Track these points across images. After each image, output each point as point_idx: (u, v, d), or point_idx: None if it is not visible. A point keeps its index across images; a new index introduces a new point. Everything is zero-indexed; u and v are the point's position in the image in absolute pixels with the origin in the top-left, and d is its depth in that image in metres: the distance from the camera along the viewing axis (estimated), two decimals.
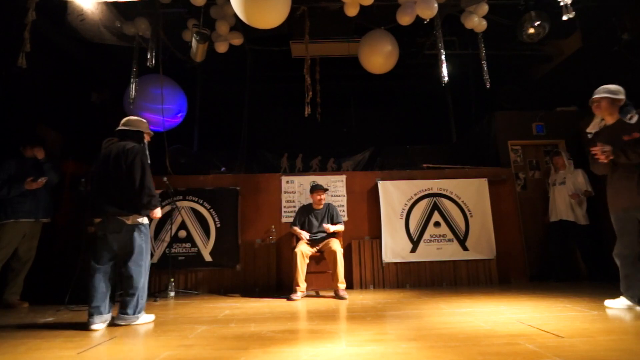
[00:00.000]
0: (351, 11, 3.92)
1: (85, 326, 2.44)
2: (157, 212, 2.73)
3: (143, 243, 2.63)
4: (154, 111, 4.74)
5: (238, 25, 4.31)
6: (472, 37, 4.62)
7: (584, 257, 4.42)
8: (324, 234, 3.92)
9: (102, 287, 2.52)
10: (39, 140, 3.82)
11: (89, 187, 2.76)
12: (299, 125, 5.81)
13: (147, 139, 2.86)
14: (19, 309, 3.39)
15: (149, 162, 2.69)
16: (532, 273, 4.58)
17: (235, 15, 3.78)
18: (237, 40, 4.47)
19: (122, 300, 2.56)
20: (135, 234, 2.59)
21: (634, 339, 1.84)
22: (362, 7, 3.93)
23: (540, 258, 4.69)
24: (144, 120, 2.88)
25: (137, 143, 2.72)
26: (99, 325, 2.45)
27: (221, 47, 4.53)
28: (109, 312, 2.54)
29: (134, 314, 2.55)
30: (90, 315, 2.45)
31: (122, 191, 2.56)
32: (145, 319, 2.61)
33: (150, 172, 2.63)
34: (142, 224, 2.64)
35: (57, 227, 4.04)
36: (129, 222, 2.57)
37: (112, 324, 2.54)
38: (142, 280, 2.60)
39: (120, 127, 2.76)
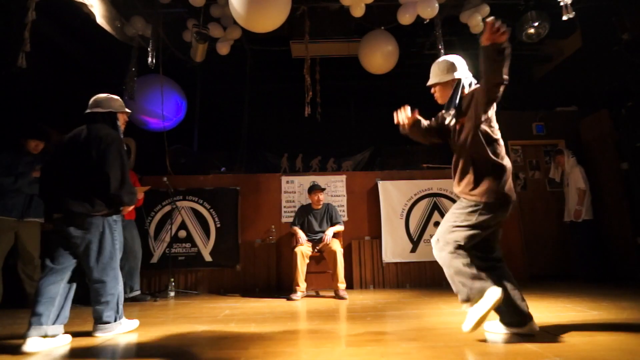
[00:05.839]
0: (357, 12, 3.92)
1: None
2: (131, 207, 2.41)
3: (116, 242, 2.28)
4: (154, 114, 4.74)
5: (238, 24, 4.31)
6: (472, 37, 4.62)
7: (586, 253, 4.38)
8: (323, 234, 3.91)
9: (51, 292, 2.06)
10: (43, 133, 3.61)
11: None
12: (299, 125, 5.79)
13: (122, 121, 2.45)
14: None
15: (125, 150, 2.32)
16: (532, 273, 4.57)
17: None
18: (236, 33, 4.43)
19: (95, 310, 2.21)
20: (107, 233, 2.21)
21: (634, 338, 1.84)
22: None
23: (565, 258, 4.66)
24: (116, 98, 2.46)
25: (111, 127, 2.33)
26: (34, 341, 1.93)
27: (223, 49, 4.53)
28: (54, 325, 2.03)
29: (115, 320, 2.23)
30: (28, 325, 1.98)
31: (93, 185, 2.16)
32: (128, 326, 2.31)
33: (127, 164, 2.29)
34: (114, 220, 2.28)
35: None
36: (97, 219, 2.18)
37: (87, 335, 2.21)
38: (119, 283, 2.27)
39: (88, 110, 2.36)
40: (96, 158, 2.17)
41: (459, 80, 2.00)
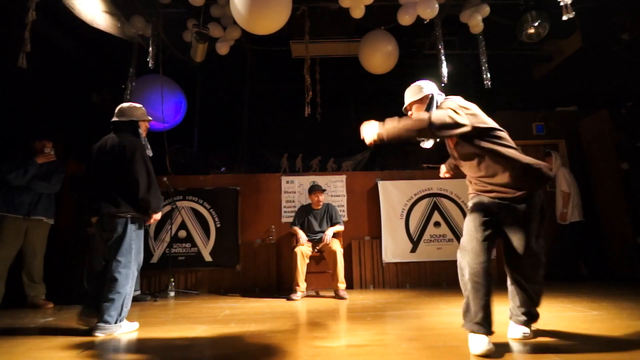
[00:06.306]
0: (357, 13, 3.93)
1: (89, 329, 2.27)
2: (158, 216, 2.51)
3: (134, 243, 2.37)
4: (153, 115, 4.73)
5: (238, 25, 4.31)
6: (472, 37, 4.62)
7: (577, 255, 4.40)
8: (323, 234, 3.91)
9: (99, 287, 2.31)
10: (48, 134, 3.64)
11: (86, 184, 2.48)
12: (299, 125, 5.79)
13: (143, 128, 2.59)
14: (43, 309, 3.34)
15: (150, 155, 2.45)
16: None
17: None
18: (236, 33, 4.43)
19: (102, 306, 2.23)
20: (128, 233, 2.34)
21: (634, 338, 1.84)
22: None
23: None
24: (139, 106, 2.59)
25: (134, 134, 2.48)
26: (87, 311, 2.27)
27: (223, 49, 4.52)
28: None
29: (115, 322, 2.23)
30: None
31: (118, 189, 2.32)
32: (127, 328, 2.32)
33: (152, 168, 2.41)
34: (137, 222, 2.41)
35: (58, 228, 4.03)
36: (122, 219, 2.33)
37: (87, 334, 2.22)
38: (128, 284, 2.31)
39: (113, 119, 2.50)
40: (123, 165, 2.33)
41: (432, 95, 2.13)
